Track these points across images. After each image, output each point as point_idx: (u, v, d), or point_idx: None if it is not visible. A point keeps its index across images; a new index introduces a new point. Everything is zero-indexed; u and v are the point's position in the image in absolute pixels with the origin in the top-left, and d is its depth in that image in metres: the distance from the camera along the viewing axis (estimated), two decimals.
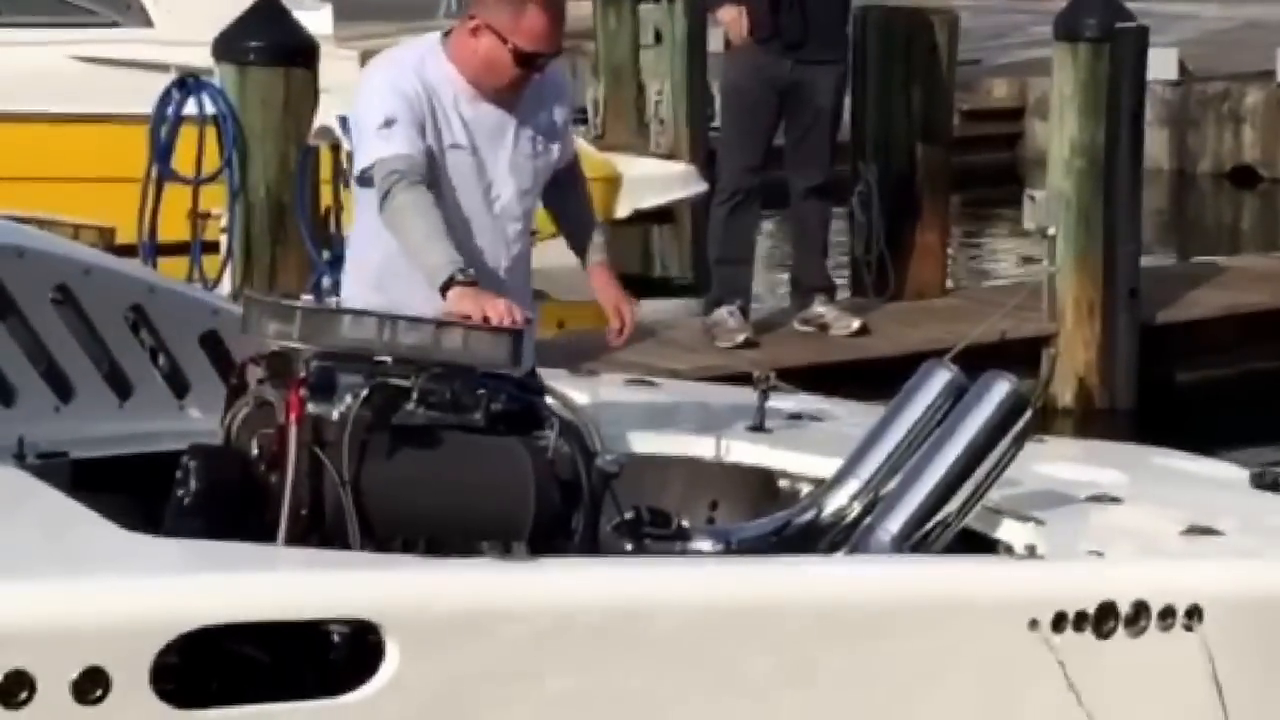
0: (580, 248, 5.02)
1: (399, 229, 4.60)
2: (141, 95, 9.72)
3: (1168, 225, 16.02)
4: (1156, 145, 16.15)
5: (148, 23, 11.54)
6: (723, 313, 9.08)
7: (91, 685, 3.57)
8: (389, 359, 4.34)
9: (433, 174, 4.69)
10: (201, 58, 9.19)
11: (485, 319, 4.39)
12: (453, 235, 4.63)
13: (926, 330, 9.22)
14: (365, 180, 4.69)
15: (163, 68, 10.02)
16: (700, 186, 12.17)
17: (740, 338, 8.99)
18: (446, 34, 4.83)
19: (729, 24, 8.95)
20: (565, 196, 5.02)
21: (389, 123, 4.64)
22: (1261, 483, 5.22)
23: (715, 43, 9.97)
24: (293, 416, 4.21)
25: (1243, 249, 14.99)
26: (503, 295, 4.55)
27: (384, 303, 4.57)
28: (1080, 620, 4.38)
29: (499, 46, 4.70)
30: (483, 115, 4.77)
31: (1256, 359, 10.21)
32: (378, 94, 4.72)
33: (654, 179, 12.17)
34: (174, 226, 9.08)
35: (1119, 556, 4.59)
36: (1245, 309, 10.39)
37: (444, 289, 4.47)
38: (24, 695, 3.53)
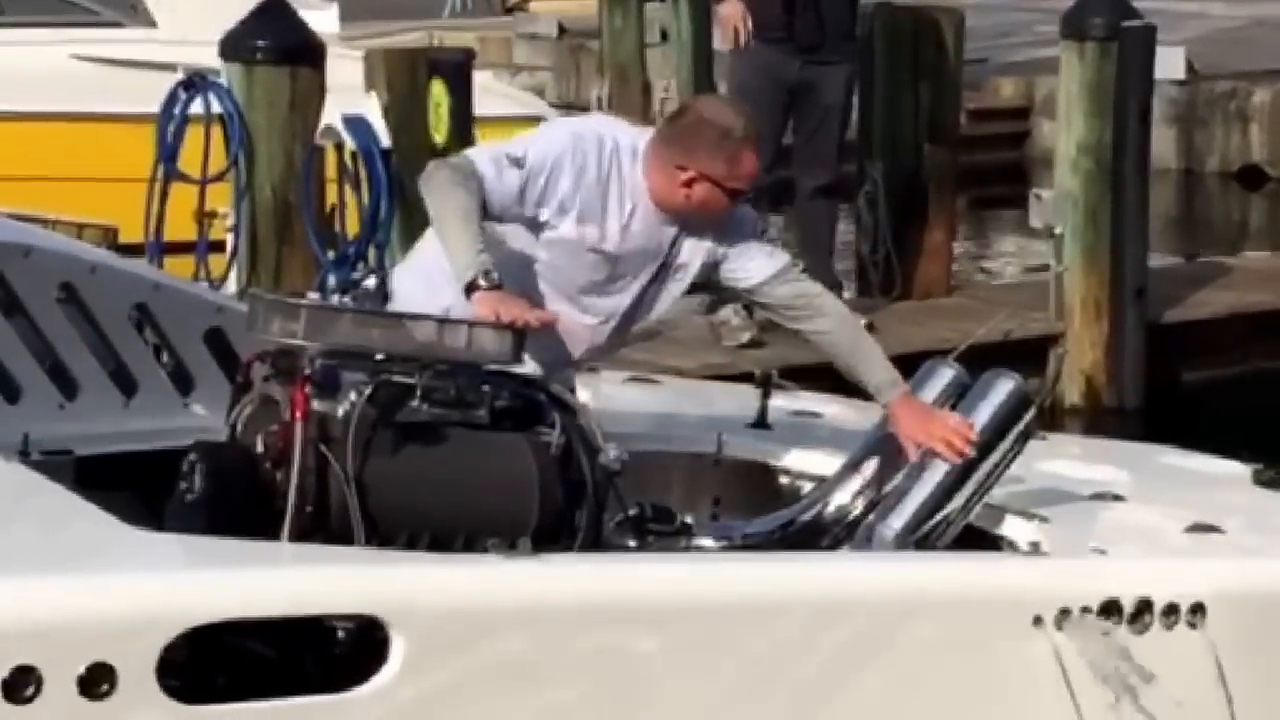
0: (864, 380, 4.85)
1: (436, 208, 4.58)
2: (145, 95, 9.74)
3: (1175, 225, 16.01)
4: (1164, 144, 16.14)
5: (151, 23, 11.56)
6: (728, 312, 9.08)
7: (98, 681, 3.58)
8: (393, 356, 4.35)
9: (551, 246, 4.68)
10: (204, 57, 9.21)
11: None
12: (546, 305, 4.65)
13: (933, 329, 9.22)
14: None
15: (166, 67, 10.03)
16: None
17: (745, 336, 8.99)
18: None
19: (725, 21, 8.96)
20: (794, 324, 4.90)
21: (520, 162, 4.63)
22: (1263, 480, 5.23)
23: (721, 42, 9.97)
24: (298, 414, 4.22)
25: (1250, 248, 14.97)
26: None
27: (434, 305, 4.55)
28: (1084, 617, 4.37)
29: (715, 191, 4.74)
30: (650, 226, 4.76)
31: (1264, 358, 10.21)
32: (549, 141, 4.71)
33: None
34: (180, 226, 9.10)
35: (1122, 554, 4.59)
36: (1252, 308, 10.39)
37: (469, 290, 4.49)
38: (30, 691, 3.54)
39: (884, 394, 4.84)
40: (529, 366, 4.57)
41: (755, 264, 4.88)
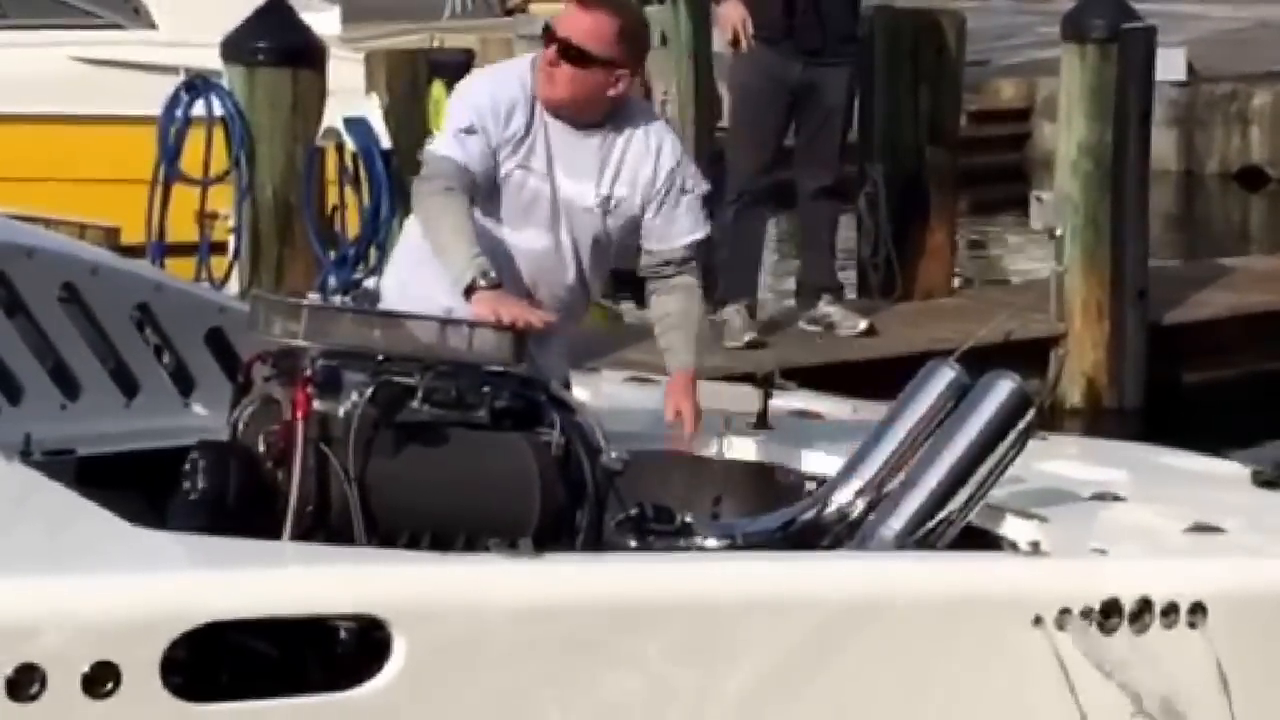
0: (665, 346, 5.05)
1: (428, 225, 4.69)
2: (145, 97, 9.74)
3: (1175, 226, 16.02)
4: (1164, 146, 16.15)
5: (151, 25, 11.56)
6: (730, 312, 9.09)
7: (101, 679, 3.59)
8: (394, 357, 4.36)
9: (497, 186, 4.75)
10: (205, 59, 9.22)
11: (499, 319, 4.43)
12: (506, 251, 4.72)
13: (933, 331, 9.22)
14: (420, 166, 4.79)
15: (166, 70, 10.04)
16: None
17: (747, 337, 8.99)
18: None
19: (724, 21, 8.97)
20: (661, 286, 4.99)
21: (469, 130, 4.72)
22: (1263, 480, 5.24)
23: (721, 43, 9.97)
24: (299, 414, 4.23)
25: (1251, 250, 14.98)
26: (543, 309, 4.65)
27: (410, 293, 4.64)
28: (1084, 617, 4.38)
29: (547, 49, 4.77)
30: (566, 138, 4.80)
31: (1264, 359, 10.21)
32: (477, 95, 4.81)
33: None
34: (181, 227, 9.11)
35: (1123, 554, 4.60)
36: (1253, 309, 10.39)
37: (468, 292, 4.51)
38: (35, 689, 3.55)
39: (673, 362, 5.00)
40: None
41: (684, 224, 4.93)
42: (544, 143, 4.80)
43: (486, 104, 4.77)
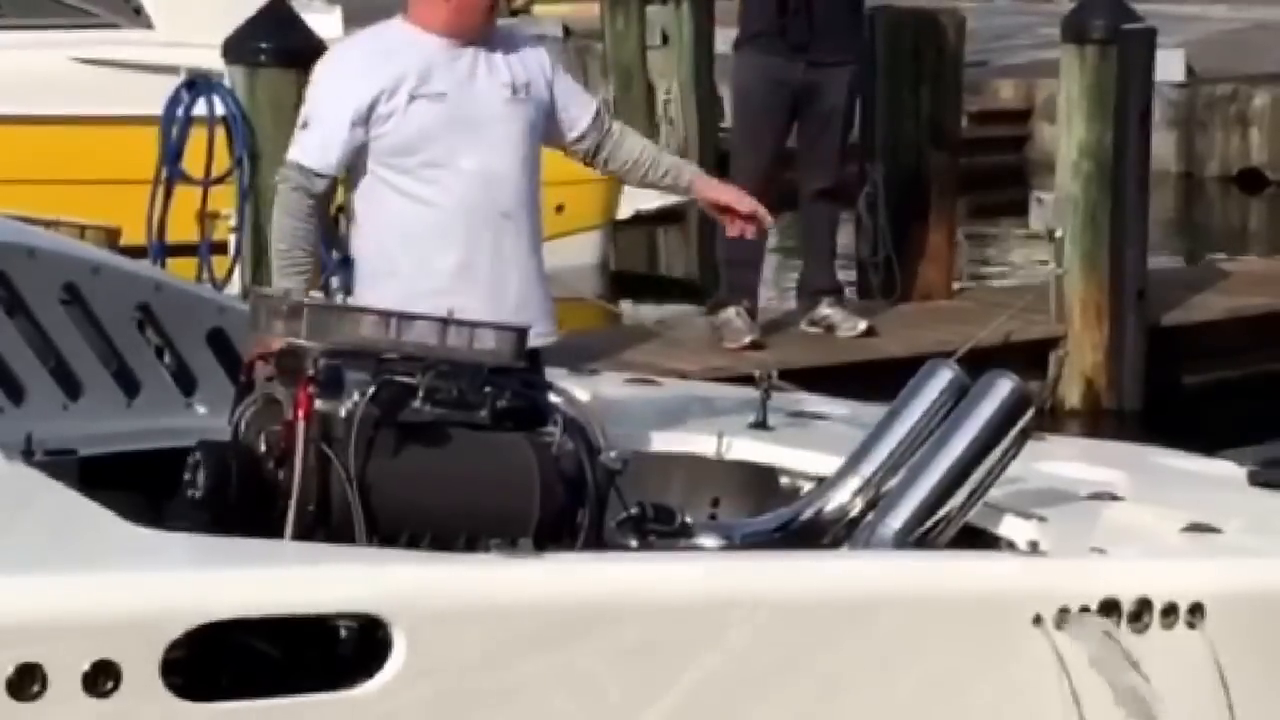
0: (664, 179, 5.17)
1: (274, 226, 4.90)
2: (144, 97, 9.74)
3: (1175, 228, 16.03)
4: (1164, 147, 16.17)
5: (148, 25, 11.56)
6: (730, 314, 9.10)
7: (102, 678, 3.59)
8: (395, 356, 4.37)
9: (403, 131, 4.82)
10: (202, 59, 9.23)
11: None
12: (438, 186, 4.83)
13: (934, 332, 9.24)
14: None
15: (164, 69, 10.04)
16: None
17: (747, 339, 9.00)
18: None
19: None
20: (614, 150, 5.11)
21: (305, 124, 4.90)
22: (1259, 481, 5.25)
23: (723, 43, 9.99)
24: (301, 413, 4.24)
25: (1250, 251, 15.01)
26: (496, 243, 4.80)
27: (396, 288, 4.72)
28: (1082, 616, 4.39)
29: None
30: (453, 65, 4.88)
31: (1263, 361, 10.22)
32: (313, 88, 4.96)
33: None
34: (182, 227, 9.11)
35: (1121, 554, 4.61)
36: (1252, 311, 10.40)
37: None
38: (35, 688, 3.55)
39: (684, 178, 5.14)
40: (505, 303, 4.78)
41: (584, 103, 5.08)
42: (430, 70, 4.85)
43: (331, 87, 4.88)
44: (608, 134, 5.11)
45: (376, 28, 5.00)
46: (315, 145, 4.87)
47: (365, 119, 4.84)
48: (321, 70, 4.99)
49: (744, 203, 5.11)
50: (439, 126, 4.85)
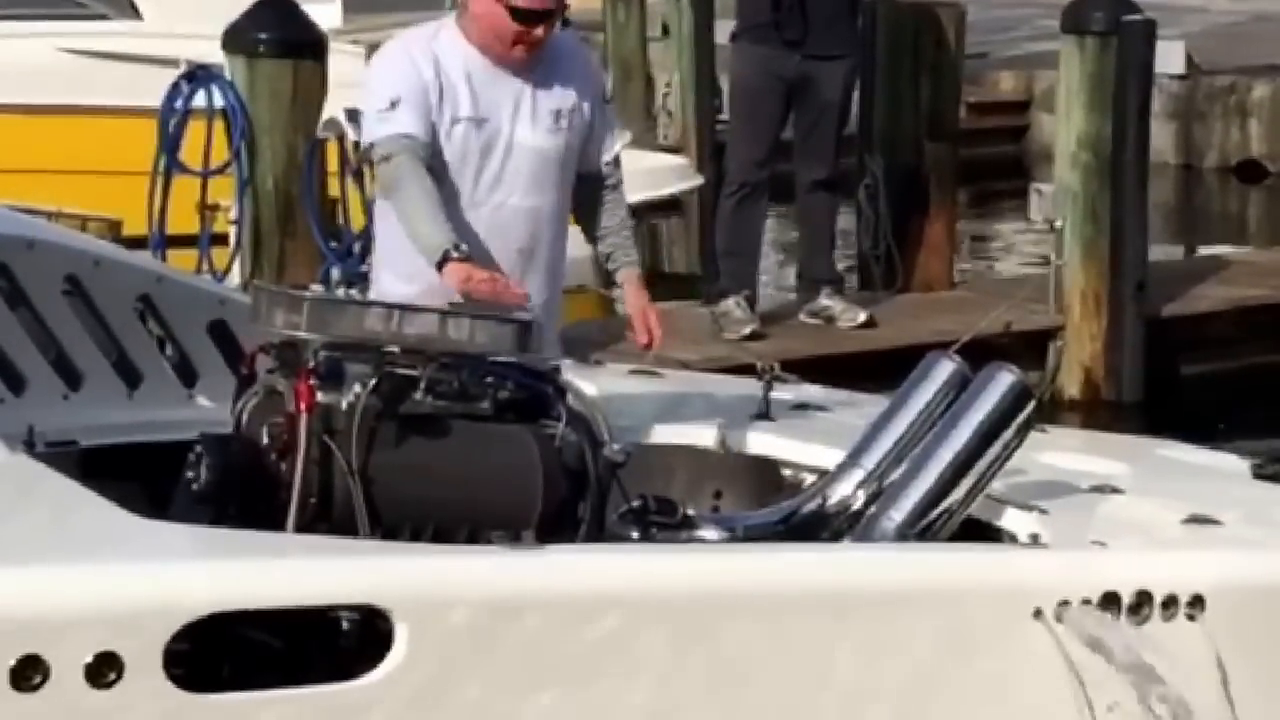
0: (609, 254, 5.02)
1: (396, 201, 4.66)
2: (133, 88, 9.72)
3: (1174, 219, 16.03)
4: (1163, 139, 16.17)
5: (136, 15, 11.54)
6: (730, 304, 9.10)
7: (104, 670, 3.60)
8: (397, 348, 4.37)
9: (437, 153, 4.72)
10: (190, 50, 9.22)
11: (495, 299, 4.43)
12: (461, 217, 4.68)
13: (933, 323, 9.23)
14: (370, 162, 4.75)
15: (153, 60, 10.03)
16: (695, 180, 12.20)
17: (747, 329, 9.01)
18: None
19: None
20: (599, 199, 4.99)
21: (393, 104, 4.70)
22: (1262, 473, 5.25)
23: (722, 35, 9.99)
24: (302, 405, 4.24)
25: (1249, 243, 15.00)
26: (523, 271, 4.65)
27: (414, 294, 4.59)
28: (1084, 609, 4.40)
29: (494, 7, 4.72)
30: (496, 86, 4.78)
31: (1262, 352, 10.22)
32: (383, 75, 4.78)
33: (649, 172, 12.21)
34: (181, 219, 9.11)
35: (1122, 546, 4.61)
36: (1251, 302, 10.40)
37: (439, 266, 4.51)
38: (38, 680, 3.56)
39: (620, 272, 4.98)
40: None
41: (613, 138, 4.98)
42: (475, 92, 4.77)
43: (400, 74, 4.74)
44: (607, 183, 5.00)
45: (430, 31, 4.85)
46: (412, 118, 4.69)
47: (430, 114, 4.73)
48: (388, 62, 4.81)
49: (644, 325, 4.95)
50: (476, 155, 4.77)
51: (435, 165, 4.71)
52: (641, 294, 4.99)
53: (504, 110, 4.79)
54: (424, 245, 4.55)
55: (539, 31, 4.76)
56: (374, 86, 4.79)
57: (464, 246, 4.50)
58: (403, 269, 4.73)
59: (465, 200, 4.76)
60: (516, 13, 4.72)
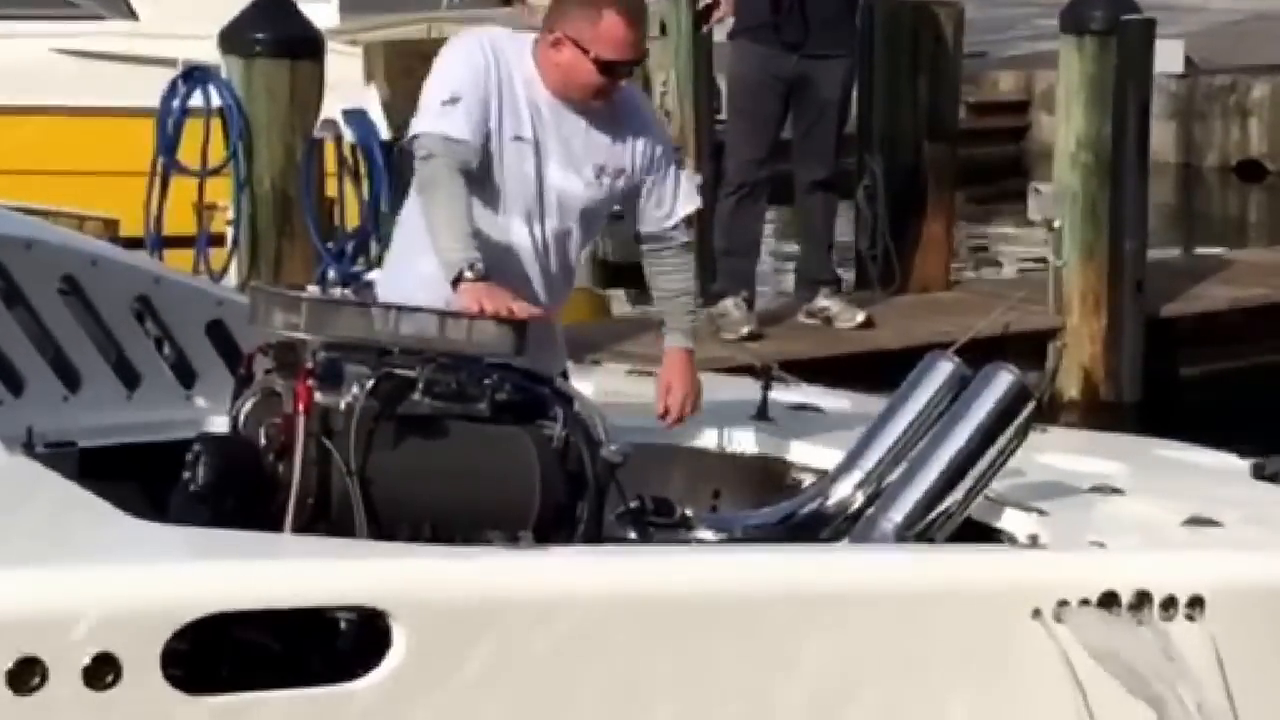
0: (662, 319, 5.05)
1: (425, 205, 4.66)
2: (128, 88, 9.70)
3: (1174, 218, 16.03)
4: (1163, 138, 16.16)
5: (132, 15, 11.53)
6: (728, 304, 9.10)
7: (103, 671, 3.59)
8: (395, 349, 4.36)
9: (484, 162, 4.71)
10: (186, 51, 9.20)
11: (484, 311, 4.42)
12: (493, 230, 4.68)
13: (932, 323, 9.23)
14: (410, 151, 4.72)
15: (148, 61, 10.01)
16: (693, 179, 12.18)
17: (745, 330, 9.01)
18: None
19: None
20: (661, 262, 4.99)
21: (453, 99, 4.68)
22: (1262, 474, 5.25)
23: (720, 34, 9.98)
24: (300, 406, 4.23)
25: (1249, 242, 15.01)
26: (531, 296, 4.62)
27: (431, 298, 4.57)
28: (1083, 609, 4.39)
29: (580, 57, 4.70)
30: (555, 119, 4.77)
31: (1262, 352, 10.23)
32: (453, 66, 4.75)
33: None
34: (178, 219, 9.10)
35: (1121, 547, 4.61)
36: (1251, 302, 10.41)
37: (454, 283, 4.50)
38: (36, 681, 3.55)
39: (671, 339, 5.00)
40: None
41: (682, 202, 4.95)
42: (532, 117, 4.76)
43: (466, 72, 4.71)
44: (670, 245, 4.98)
45: (511, 41, 4.81)
46: (462, 120, 4.66)
47: (487, 120, 4.72)
48: (461, 54, 4.76)
49: (676, 397, 4.96)
50: (519, 180, 4.76)
51: (475, 171, 4.70)
52: (675, 370, 4.98)
53: (551, 144, 4.77)
54: (444, 259, 4.55)
55: (621, 83, 4.77)
56: (441, 73, 4.76)
57: (479, 265, 4.49)
58: (425, 268, 4.69)
59: (491, 212, 4.75)
60: (603, 66, 4.71)
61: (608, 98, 4.78)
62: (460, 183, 4.62)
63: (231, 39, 8.66)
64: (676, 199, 4.97)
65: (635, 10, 4.76)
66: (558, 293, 4.92)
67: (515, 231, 4.80)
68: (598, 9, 4.71)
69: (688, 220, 5.01)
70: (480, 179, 4.72)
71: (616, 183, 4.86)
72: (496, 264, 4.65)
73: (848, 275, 10.25)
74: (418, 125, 4.72)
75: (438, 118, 4.67)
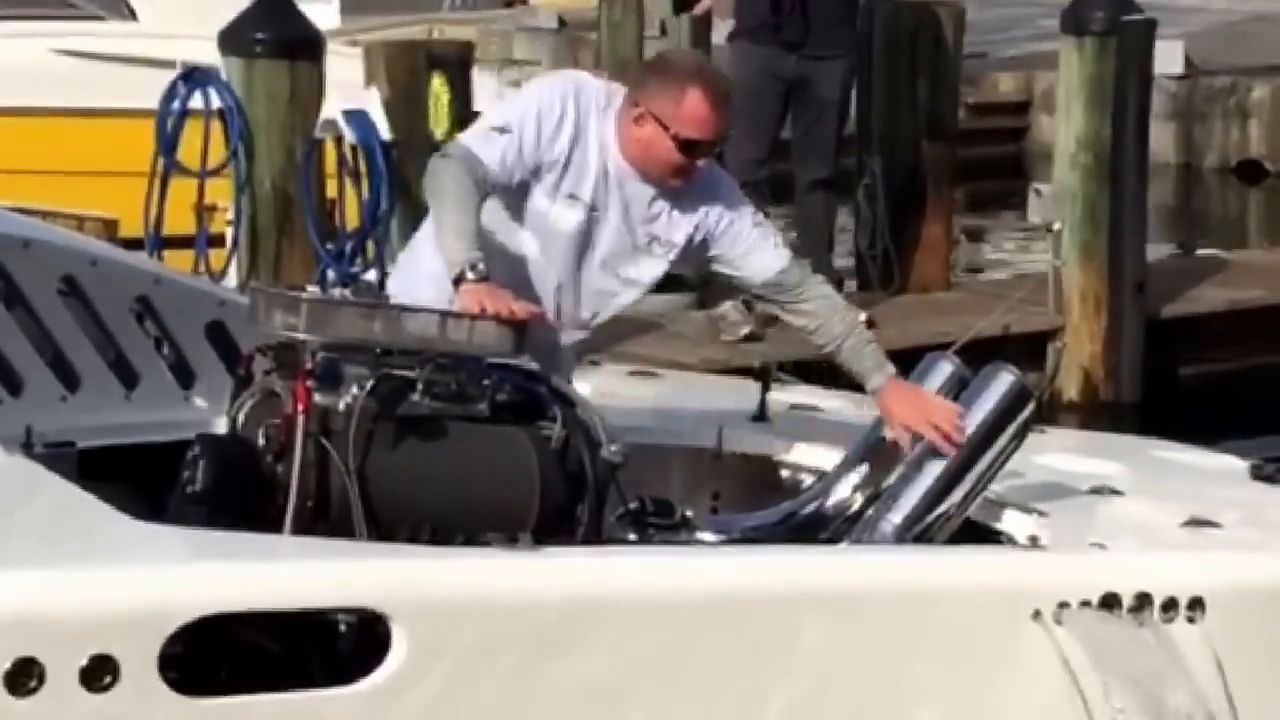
0: (849, 369, 4.83)
1: (434, 203, 4.59)
2: (128, 89, 9.70)
3: (1174, 219, 16.03)
4: (1162, 139, 16.16)
5: (132, 16, 11.52)
6: (727, 306, 9.10)
7: (100, 672, 3.59)
8: (394, 350, 4.36)
9: (533, 209, 4.66)
10: (186, 51, 9.20)
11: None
12: (528, 277, 4.65)
13: (931, 324, 9.23)
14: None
15: (148, 62, 10.01)
16: None
17: (744, 330, 9.01)
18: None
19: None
20: (797, 315, 4.85)
21: (502, 131, 4.62)
22: (1261, 475, 5.25)
23: (719, 35, 9.99)
24: (300, 407, 4.23)
25: (1249, 244, 15.01)
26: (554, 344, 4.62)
27: (437, 294, 4.54)
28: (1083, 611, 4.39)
29: (661, 134, 4.65)
30: (623, 186, 4.71)
31: (1261, 353, 10.23)
32: (527, 104, 4.68)
33: None
34: (178, 220, 9.10)
35: (1121, 548, 4.60)
36: (1251, 304, 10.41)
37: (456, 283, 4.49)
38: (33, 683, 3.55)
39: (872, 380, 4.81)
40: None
41: (762, 258, 4.85)
42: (597, 182, 4.69)
43: (532, 114, 4.66)
44: (789, 294, 4.85)
45: (597, 99, 4.69)
46: (498, 154, 4.60)
47: (534, 173, 4.65)
48: (543, 97, 4.68)
49: (924, 429, 4.67)
50: (565, 238, 4.71)
51: (520, 207, 4.66)
52: (899, 402, 4.74)
53: (610, 211, 4.72)
54: (446, 258, 4.52)
55: (701, 162, 4.71)
56: (512, 102, 4.73)
57: (481, 266, 4.45)
58: (434, 265, 4.66)
59: (528, 257, 4.71)
60: (684, 144, 4.66)
61: (686, 177, 4.70)
62: (473, 187, 4.57)
63: (231, 40, 8.66)
64: (764, 254, 4.84)
65: (720, 89, 4.68)
66: (579, 339, 4.86)
67: (549, 280, 4.74)
68: (682, 87, 4.64)
69: (793, 256, 4.88)
70: (523, 223, 4.69)
71: (671, 254, 4.79)
72: (511, 277, 4.61)
73: (848, 275, 10.24)
74: (462, 135, 4.70)
75: (479, 138, 4.64)
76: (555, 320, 4.74)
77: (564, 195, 4.70)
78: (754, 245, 4.84)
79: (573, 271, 4.76)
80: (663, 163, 4.68)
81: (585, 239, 4.74)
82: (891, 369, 4.82)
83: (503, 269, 4.60)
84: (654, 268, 4.81)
